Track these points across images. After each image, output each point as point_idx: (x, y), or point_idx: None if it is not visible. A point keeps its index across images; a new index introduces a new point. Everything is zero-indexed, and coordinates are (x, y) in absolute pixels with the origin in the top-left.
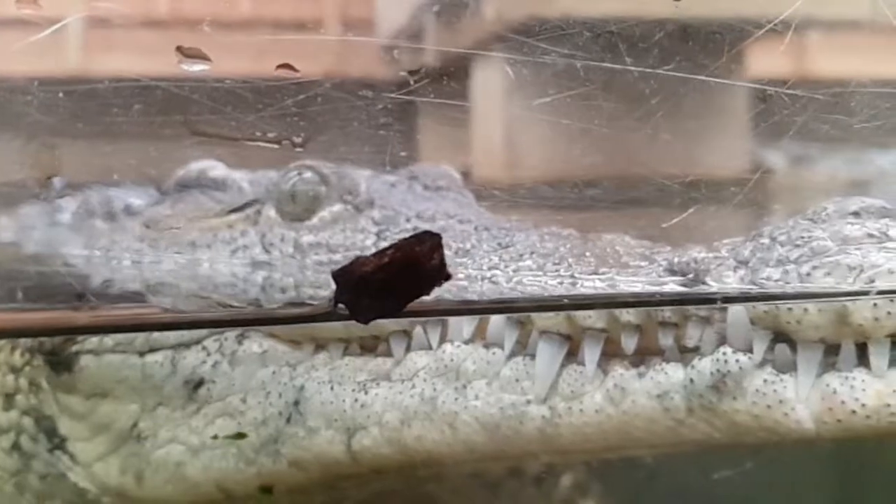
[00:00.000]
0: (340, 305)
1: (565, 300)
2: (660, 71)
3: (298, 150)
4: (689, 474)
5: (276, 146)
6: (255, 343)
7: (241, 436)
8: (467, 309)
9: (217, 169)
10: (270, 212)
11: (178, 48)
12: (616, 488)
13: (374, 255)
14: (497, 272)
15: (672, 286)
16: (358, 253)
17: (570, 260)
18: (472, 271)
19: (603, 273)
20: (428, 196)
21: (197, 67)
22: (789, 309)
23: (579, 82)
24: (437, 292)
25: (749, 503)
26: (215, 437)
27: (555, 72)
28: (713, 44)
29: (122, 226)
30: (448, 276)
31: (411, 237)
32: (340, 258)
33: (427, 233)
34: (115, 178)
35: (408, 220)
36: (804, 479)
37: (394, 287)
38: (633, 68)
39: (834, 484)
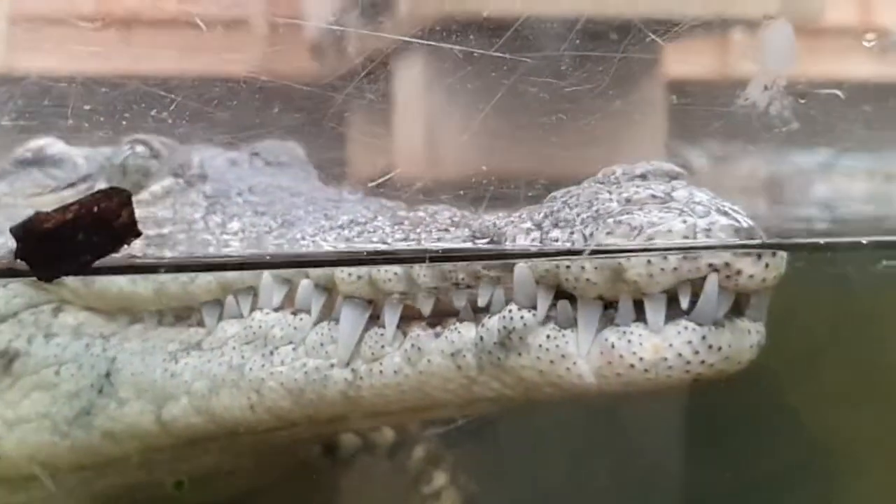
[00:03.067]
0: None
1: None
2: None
3: None
4: (545, 441)
5: None
6: (71, 316)
7: None
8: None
9: (55, 146)
10: (101, 187)
11: None
12: (468, 457)
13: (56, 210)
14: (318, 238)
15: (462, 244)
16: (184, 227)
17: (387, 227)
18: (297, 237)
19: (413, 238)
20: (268, 171)
21: None
22: (567, 267)
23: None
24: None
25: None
26: None
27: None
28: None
29: None
30: (138, 234)
31: (97, 192)
32: (168, 232)
33: (114, 189)
34: None
35: (239, 194)
36: None
37: (79, 244)
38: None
39: None
